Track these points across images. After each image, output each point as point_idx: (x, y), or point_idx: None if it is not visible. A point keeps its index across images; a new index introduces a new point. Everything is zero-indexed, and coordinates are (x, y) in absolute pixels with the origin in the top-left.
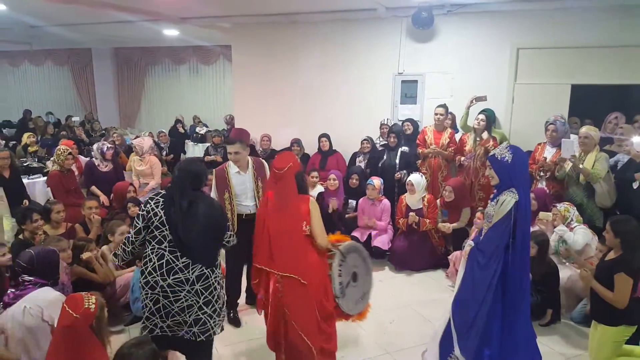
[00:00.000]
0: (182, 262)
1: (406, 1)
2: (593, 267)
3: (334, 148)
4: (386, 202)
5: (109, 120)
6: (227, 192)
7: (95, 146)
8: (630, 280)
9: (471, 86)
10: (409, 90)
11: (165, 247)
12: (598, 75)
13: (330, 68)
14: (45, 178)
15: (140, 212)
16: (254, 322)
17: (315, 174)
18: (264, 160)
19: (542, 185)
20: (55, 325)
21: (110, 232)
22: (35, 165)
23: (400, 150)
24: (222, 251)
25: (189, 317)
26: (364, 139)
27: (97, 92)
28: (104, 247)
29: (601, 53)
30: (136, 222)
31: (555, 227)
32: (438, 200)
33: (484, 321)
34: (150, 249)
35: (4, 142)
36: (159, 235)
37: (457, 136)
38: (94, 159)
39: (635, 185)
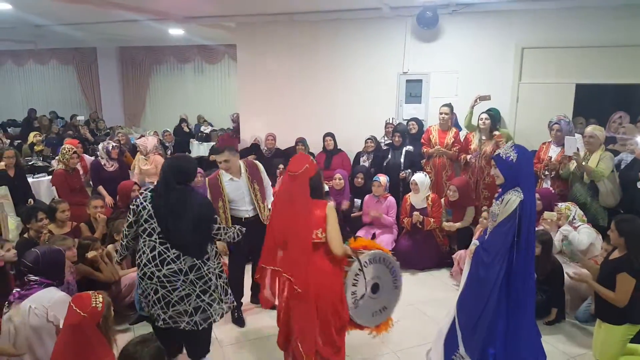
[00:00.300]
0: (173, 253)
1: (411, 1)
2: (597, 266)
3: (338, 147)
4: (391, 198)
5: (114, 119)
6: (221, 200)
7: (100, 145)
8: (633, 281)
9: (476, 85)
10: (413, 90)
11: (156, 239)
12: (603, 75)
13: (335, 67)
14: (50, 177)
15: (131, 207)
16: (258, 322)
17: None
18: (256, 162)
19: (546, 184)
20: (60, 326)
21: (117, 231)
22: (40, 164)
23: (405, 149)
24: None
25: (189, 305)
26: (368, 138)
27: (102, 91)
28: (110, 246)
29: (606, 52)
30: (128, 216)
31: (560, 227)
32: (442, 200)
33: (488, 320)
34: (142, 242)
35: (9, 141)
36: (149, 227)
37: (462, 134)
38: (100, 158)
39: (639, 185)
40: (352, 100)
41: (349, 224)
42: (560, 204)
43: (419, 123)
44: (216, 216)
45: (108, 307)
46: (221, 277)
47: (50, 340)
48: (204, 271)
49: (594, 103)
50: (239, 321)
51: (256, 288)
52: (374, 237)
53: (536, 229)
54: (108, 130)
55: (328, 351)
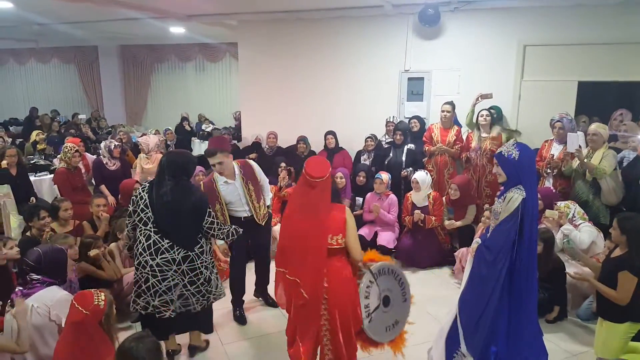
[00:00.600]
0: (167, 243)
1: None
2: (599, 264)
3: (340, 146)
4: (393, 196)
5: (116, 117)
6: (218, 202)
7: (102, 144)
8: (635, 279)
9: (478, 83)
10: (415, 88)
11: (151, 228)
12: (605, 72)
13: (336, 65)
14: (52, 175)
15: (132, 197)
16: (260, 320)
17: None
18: (250, 161)
19: (549, 182)
20: (63, 325)
21: (120, 230)
22: (42, 162)
23: (406, 147)
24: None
25: (174, 294)
26: (368, 137)
27: (104, 89)
28: (112, 245)
29: (608, 50)
30: (129, 205)
31: (561, 225)
32: (444, 198)
33: (490, 318)
34: (139, 231)
35: (10, 139)
36: (145, 217)
37: (463, 132)
38: (101, 157)
39: None
40: (354, 98)
41: None
42: (559, 202)
43: (421, 121)
44: (210, 210)
45: (110, 305)
46: (212, 271)
47: (52, 339)
48: (197, 263)
49: (596, 101)
50: (240, 319)
51: (260, 282)
52: (375, 235)
53: (538, 227)
54: (110, 129)
55: (351, 353)
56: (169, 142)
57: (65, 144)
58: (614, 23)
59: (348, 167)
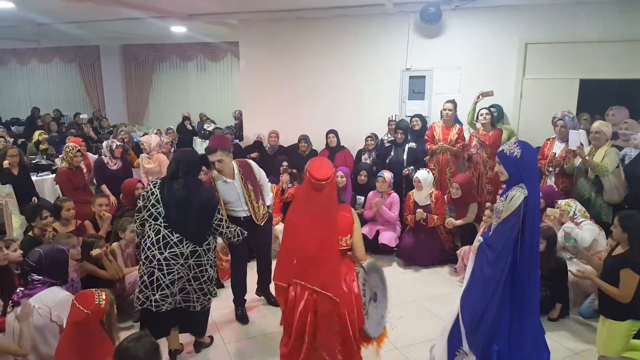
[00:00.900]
0: (177, 237)
1: None
2: (600, 262)
3: (341, 144)
4: (395, 195)
5: (117, 117)
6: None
7: (105, 144)
8: (637, 277)
9: (479, 81)
10: (417, 86)
11: (161, 223)
12: (607, 70)
13: (338, 64)
14: (53, 175)
15: (142, 193)
16: (262, 320)
17: None
18: (249, 160)
19: (551, 180)
20: (64, 326)
21: (122, 229)
22: (43, 162)
23: (407, 146)
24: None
25: (176, 287)
26: (368, 136)
27: (105, 89)
28: (114, 244)
29: (610, 47)
30: (138, 201)
31: (562, 223)
32: (445, 197)
33: (492, 317)
34: (148, 226)
35: (12, 139)
36: (155, 212)
37: (465, 132)
38: (103, 156)
39: None
40: (355, 97)
41: None
42: (560, 200)
43: (423, 119)
44: (219, 207)
45: (111, 305)
46: (214, 270)
47: (54, 339)
48: (204, 259)
49: (598, 99)
50: (242, 318)
51: (261, 281)
52: (377, 234)
53: (540, 225)
54: (111, 129)
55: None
56: (173, 142)
57: (67, 144)
58: (615, 21)
59: (350, 165)
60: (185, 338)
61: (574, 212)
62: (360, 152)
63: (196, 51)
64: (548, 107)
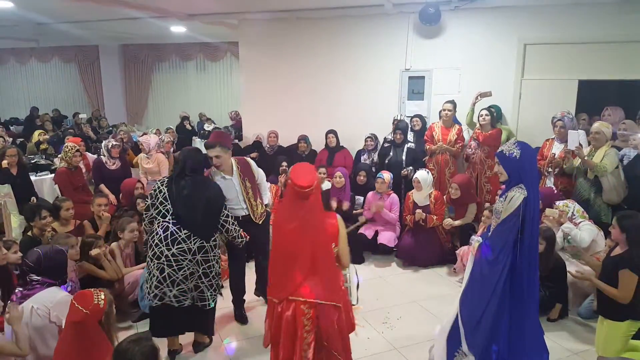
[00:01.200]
0: (185, 233)
1: None
2: (599, 262)
3: (341, 144)
4: (394, 196)
5: (116, 117)
6: None
7: (104, 143)
8: (636, 277)
9: (478, 82)
10: (416, 87)
11: (169, 220)
12: (606, 71)
13: (337, 64)
14: (52, 175)
15: (150, 192)
16: (260, 320)
17: (323, 170)
18: (247, 158)
19: (550, 181)
20: (63, 326)
21: (121, 229)
22: (42, 162)
23: (406, 146)
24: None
25: (191, 283)
26: (368, 137)
27: (104, 89)
28: (113, 244)
29: (609, 48)
30: (146, 200)
31: (561, 224)
32: (445, 197)
33: (491, 317)
34: (157, 223)
35: (11, 139)
36: (163, 209)
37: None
38: (102, 156)
39: None
40: (355, 97)
41: (351, 222)
42: (558, 201)
43: (423, 120)
44: (226, 204)
45: (110, 304)
46: (219, 266)
47: (53, 339)
48: (210, 255)
49: (597, 99)
50: (241, 318)
51: (260, 281)
52: (376, 234)
53: (539, 226)
54: (111, 128)
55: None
56: (175, 141)
57: (66, 144)
58: (614, 21)
59: (349, 166)
60: (184, 339)
61: (572, 212)
62: (359, 153)
63: (196, 51)
64: (547, 108)
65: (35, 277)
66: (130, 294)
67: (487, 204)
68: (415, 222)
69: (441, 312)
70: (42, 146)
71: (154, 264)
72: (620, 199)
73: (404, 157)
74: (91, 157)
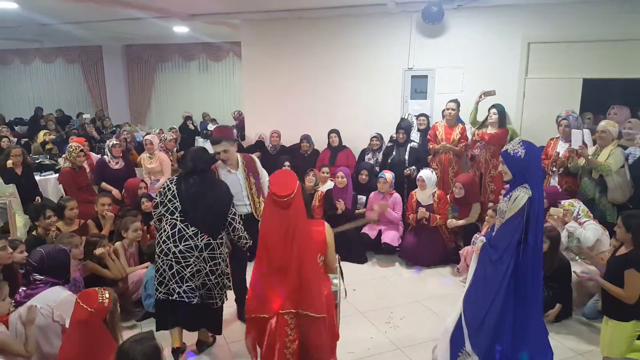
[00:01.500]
0: (192, 231)
1: None
2: (604, 262)
3: (343, 144)
4: (397, 195)
5: (120, 117)
6: None
7: (107, 143)
8: None
9: (482, 81)
10: (419, 86)
11: (177, 217)
12: (610, 69)
13: (340, 64)
14: (57, 175)
15: (159, 190)
16: None
17: (326, 169)
18: (253, 156)
19: (554, 180)
20: (66, 325)
21: (124, 229)
22: (47, 162)
23: (409, 145)
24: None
25: (198, 281)
26: (374, 136)
27: (108, 89)
28: (117, 243)
29: (613, 46)
30: (155, 198)
31: (565, 223)
32: (448, 196)
33: (495, 317)
34: (165, 221)
35: (16, 139)
36: (172, 207)
37: (468, 131)
38: (105, 156)
39: None
40: (357, 96)
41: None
42: (563, 200)
43: (429, 119)
44: (233, 202)
45: (114, 303)
46: (227, 265)
47: (56, 339)
48: (217, 253)
49: (601, 98)
50: (244, 317)
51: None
52: (380, 234)
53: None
54: (114, 128)
55: None
56: (178, 140)
57: (70, 144)
58: (618, 20)
59: (351, 165)
60: (188, 339)
61: (578, 212)
62: (364, 151)
63: (198, 51)
64: (551, 107)
65: (38, 277)
66: (134, 293)
67: (490, 204)
68: (418, 221)
69: (444, 312)
70: (48, 146)
71: (162, 261)
72: (625, 199)
73: (406, 157)
74: (95, 157)
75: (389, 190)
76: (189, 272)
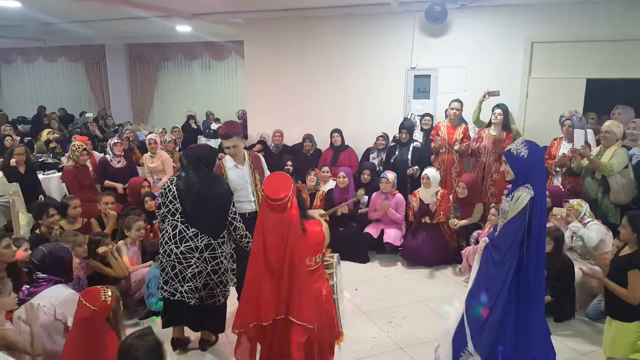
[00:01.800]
0: (192, 232)
1: None
2: (607, 262)
3: (346, 143)
4: (400, 195)
5: (122, 116)
6: None
7: (108, 142)
8: None
9: (485, 81)
10: (422, 85)
11: (178, 218)
12: (614, 69)
13: (342, 63)
14: (60, 173)
15: (161, 191)
16: None
17: (326, 169)
18: (259, 155)
19: (557, 180)
20: (68, 324)
21: (127, 228)
22: (50, 160)
23: (412, 145)
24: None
25: (199, 282)
26: (380, 135)
27: (111, 88)
28: (120, 242)
29: (617, 46)
30: (158, 198)
31: (569, 223)
32: (451, 196)
33: (498, 317)
34: (167, 222)
35: (19, 138)
36: (172, 208)
37: (471, 130)
38: (107, 155)
39: None
40: (360, 96)
41: (356, 221)
42: (572, 200)
43: (433, 119)
44: (234, 201)
45: (117, 301)
46: (230, 263)
47: (59, 336)
48: (218, 252)
49: (604, 98)
50: None
51: None
52: (382, 233)
53: (547, 225)
54: (117, 127)
55: None
56: (177, 140)
57: (73, 143)
58: (621, 20)
59: (354, 164)
60: (192, 336)
61: (585, 212)
62: (368, 150)
63: (201, 50)
64: (554, 107)
65: (40, 275)
66: (137, 292)
67: (492, 205)
68: (419, 221)
69: (447, 312)
70: (52, 145)
71: (165, 261)
72: (628, 199)
73: (409, 157)
74: (98, 155)
75: (391, 190)
76: (190, 272)
